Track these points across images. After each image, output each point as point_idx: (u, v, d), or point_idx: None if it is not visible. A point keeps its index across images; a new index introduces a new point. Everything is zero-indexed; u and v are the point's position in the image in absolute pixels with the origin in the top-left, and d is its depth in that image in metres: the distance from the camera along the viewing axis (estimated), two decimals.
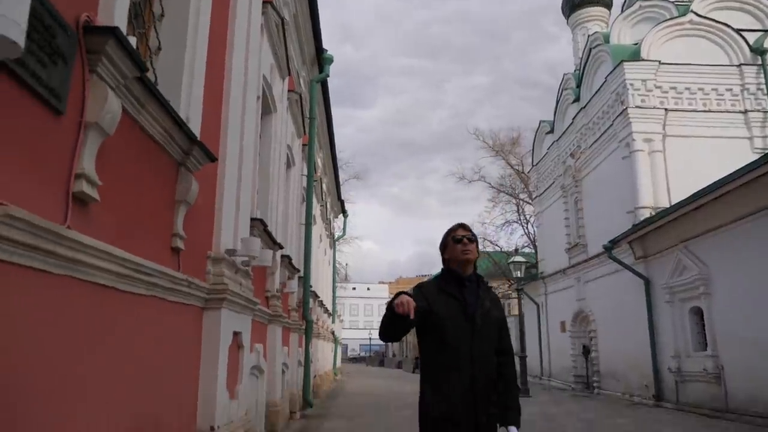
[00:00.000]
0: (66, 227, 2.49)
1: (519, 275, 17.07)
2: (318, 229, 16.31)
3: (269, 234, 7.43)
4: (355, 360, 65.79)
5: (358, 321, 77.42)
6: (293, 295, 10.44)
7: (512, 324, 27.14)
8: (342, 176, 26.16)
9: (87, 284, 2.75)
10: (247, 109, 6.08)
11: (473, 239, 2.91)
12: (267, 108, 8.23)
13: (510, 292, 30.88)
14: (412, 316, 2.47)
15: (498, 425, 2.80)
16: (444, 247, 2.97)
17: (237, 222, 5.73)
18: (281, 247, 8.14)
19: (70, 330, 2.61)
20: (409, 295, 2.65)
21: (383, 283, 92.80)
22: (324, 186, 18.48)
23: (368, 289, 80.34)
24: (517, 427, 2.77)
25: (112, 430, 3.06)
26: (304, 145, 11.72)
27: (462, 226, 2.97)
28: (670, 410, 12.16)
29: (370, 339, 66.42)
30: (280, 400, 8.07)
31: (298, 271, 10.51)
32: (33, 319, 2.31)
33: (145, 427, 3.53)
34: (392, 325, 2.59)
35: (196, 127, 4.32)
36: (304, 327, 10.94)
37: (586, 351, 17.54)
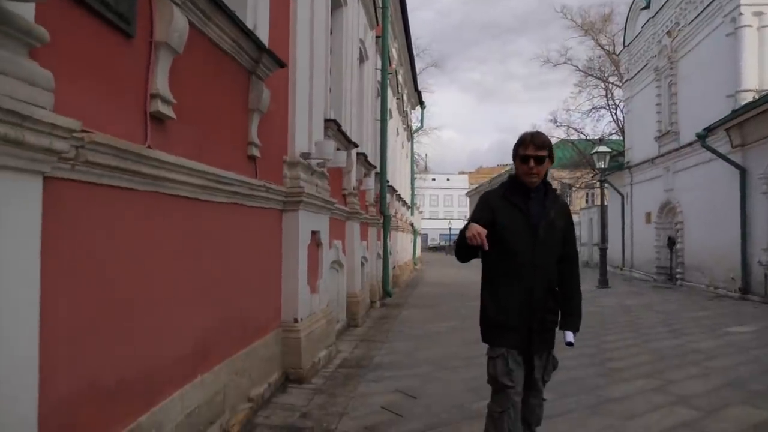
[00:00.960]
0: (147, 147, 2.67)
1: (603, 166, 16.39)
2: (394, 123, 16.22)
3: (343, 133, 7.51)
4: (435, 249, 67.45)
5: (438, 211, 78.43)
6: (370, 192, 10.69)
7: (594, 215, 26.58)
8: (419, 65, 25.38)
9: (171, 197, 2.98)
10: (315, 6, 5.94)
11: (543, 159, 2.76)
12: (336, 2, 7.99)
13: (594, 182, 29.91)
14: (486, 247, 2.56)
15: (558, 329, 2.91)
16: (514, 157, 2.87)
17: (311, 125, 5.83)
18: (356, 146, 8.24)
19: (159, 239, 2.88)
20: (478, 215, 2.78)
21: (463, 173, 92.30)
22: (400, 77, 18.07)
23: (448, 179, 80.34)
24: (575, 333, 2.85)
25: (206, 326, 3.44)
26: (377, 37, 11.38)
27: (533, 141, 2.77)
28: (757, 303, 11.79)
29: (449, 229, 67.46)
30: (360, 291, 8.58)
31: (374, 167, 10.66)
32: (124, 231, 2.57)
33: (234, 322, 3.92)
34: (465, 251, 2.72)
35: (263, 34, 4.32)
36: (381, 221, 11.28)
37: (671, 242, 17.02)
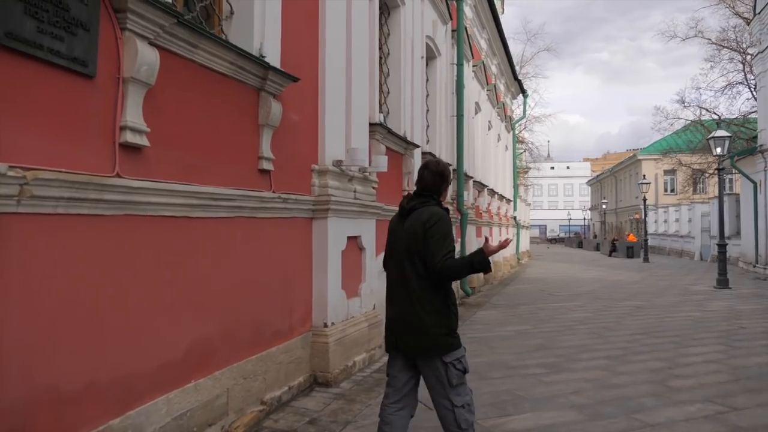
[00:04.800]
0: (115, 175, 2.91)
1: (720, 153, 14.69)
2: (484, 116, 15.82)
3: (397, 135, 7.52)
4: (554, 241, 64.93)
5: (558, 201, 75.20)
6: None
7: (725, 205, 23.89)
8: (530, 51, 24.38)
9: (150, 218, 3.21)
10: (354, 15, 6.00)
11: None
12: (393, 2, 7.98)
13: (729, 167, 26.96)
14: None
15: None
16: (446, 187, 3.23)
17: (350, 131, 5.93)
18: (416, 146, 8.19)
19: (135, 256, 3.12)
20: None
21: (588, 159, 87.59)
22: (494, 68, 17.58)
23: (568, 167, 76.62)
24: None
25: (203, 335, 3.66)
26: (453, 30, 11.17)
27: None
28: None
29: (569, 219, 64.54)
30: None
31: (448, 165, 10.50)
32: (89, 251, 2.82)
33: (243, 329, 4.12)
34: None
35: (273, 51, 4.45)
36: (459, 219, 11.10)
37: None
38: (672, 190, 42.86)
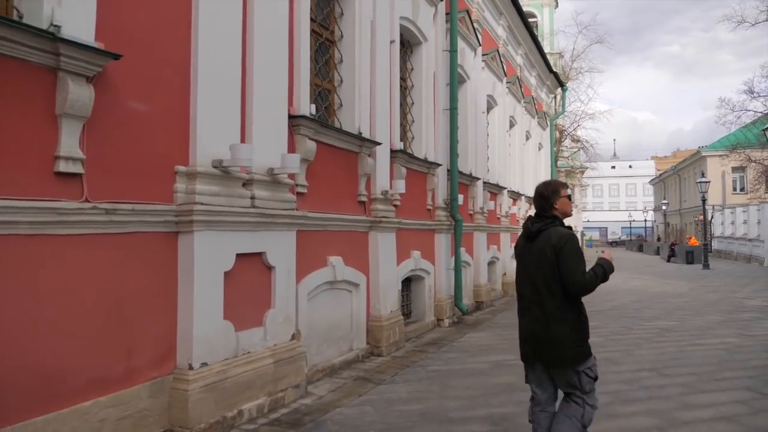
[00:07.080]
0: None
1: None
2: (504, 111, 14.29)
3: (343, 131, 6.41)
4: (615, 244, 61.30)
5: (619, 202, 71.07)
6: (435, 193, 9.31)
7: None
8: (582, 43, 22.54)
9: None
10: None
11: None
12: None
13: None
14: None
15: None
16: (559, 197, 3.30)
17: (249, 126, 4.91)
18: (375, 143, 7.00)
19: None
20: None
21: (655, 157, 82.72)
22: (518, 59, 16.03)
23: (630, 166, 72.24)
24: None
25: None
26: (448, 13, 9.88)
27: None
28: None
29: (630, 221, 60.72)
30: (391, 313, 7.31)
31: (437, 165, 9.23)
32: None
33: (19, 384, 3.13)
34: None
35: (79, 20, 3.41)
36: (453, 226, 9.76)
37: None
38: (741, 189, 39.15)
